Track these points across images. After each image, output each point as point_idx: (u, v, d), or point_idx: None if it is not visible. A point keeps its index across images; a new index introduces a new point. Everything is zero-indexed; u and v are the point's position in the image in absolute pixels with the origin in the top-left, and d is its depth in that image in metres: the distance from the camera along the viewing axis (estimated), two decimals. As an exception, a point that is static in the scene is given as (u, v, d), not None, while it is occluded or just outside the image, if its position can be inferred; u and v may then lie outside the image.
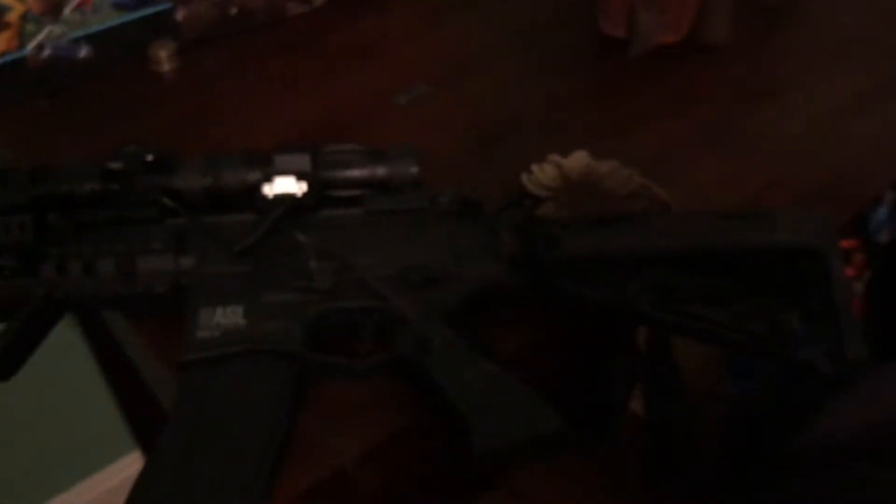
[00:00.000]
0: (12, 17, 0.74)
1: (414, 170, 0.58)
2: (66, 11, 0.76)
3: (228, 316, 0.53)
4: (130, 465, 1.23)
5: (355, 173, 0.57)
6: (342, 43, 0.86)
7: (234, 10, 0.84)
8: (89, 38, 0.79)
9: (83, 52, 0.79)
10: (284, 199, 0.56)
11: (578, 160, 0.55)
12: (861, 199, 0.80)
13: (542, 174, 0.56)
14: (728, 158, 0.72)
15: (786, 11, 0.89)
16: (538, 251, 0.54)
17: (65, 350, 0.99)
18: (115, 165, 0.56)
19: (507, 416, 0.49)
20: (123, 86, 0.81)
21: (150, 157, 0.56)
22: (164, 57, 0.81)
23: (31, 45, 0.76)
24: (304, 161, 0.57)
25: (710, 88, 0.80)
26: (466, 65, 0.82)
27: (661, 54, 0.81)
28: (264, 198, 0.56)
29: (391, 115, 0.77)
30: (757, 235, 0.55)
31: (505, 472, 0.50)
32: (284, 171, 0.56)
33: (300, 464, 0.50)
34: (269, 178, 0.56)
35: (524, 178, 0.57)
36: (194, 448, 0.48)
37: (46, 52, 0.77)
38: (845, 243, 1.11)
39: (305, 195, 0.56)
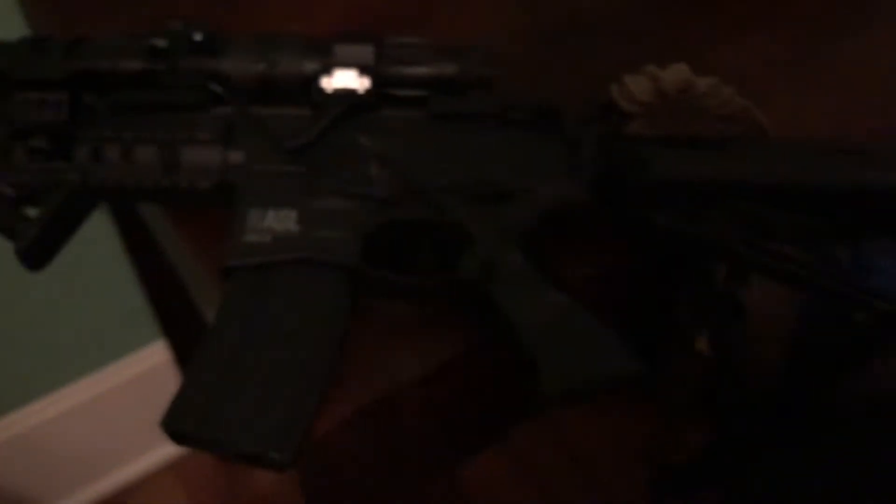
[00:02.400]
0: None
1: (486, 71, 0.52)
2: None
3: (280, 220, 0.48)
4: (155, 354, 1.22)
5: (422, 71, 0.51)
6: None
7: None
8: None
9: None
10: (344, 95, 0.51)
11: (677, 73, 0.49)
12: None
13: (635, 86, 0.50)
14: (817, 84, 0.66)
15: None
16: (624, 172, 0.49)
17: (91, 230, 0.97)
18: (160, 43, 0.51)
19: (578, 355, 0.45)
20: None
21: (198, 37, 0.51)
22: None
23: None
24: (367, 53, 0.51)
25: (803, 5, 0.72)
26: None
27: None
28: (322, 91, 0.51)
29: (450, 7, 0.70)
30: (861, 173, 0.50)
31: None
32: (345, 64, 0.51)
33: (350, 383, 0.47)
34: (328, 70, 0.51)
35: (613, 88, 0.51)
36: (239, 360, 0.45)
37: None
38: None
39: (367, 92, 0.51)
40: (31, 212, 0.50)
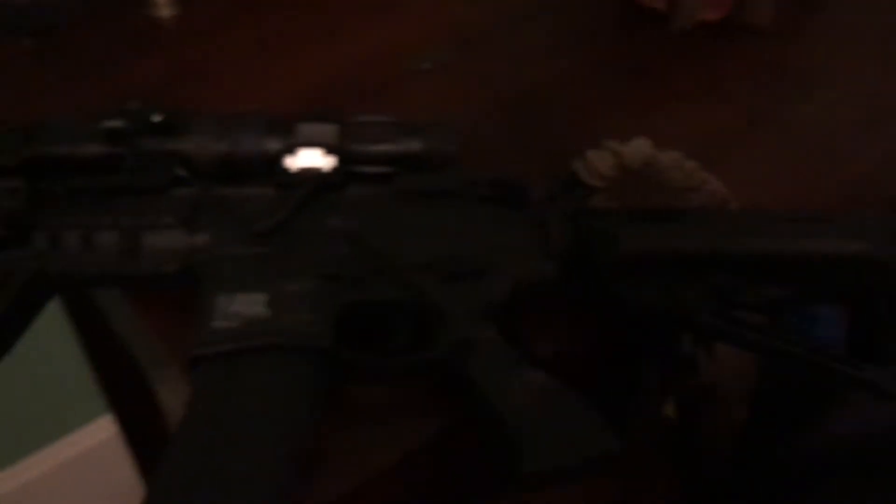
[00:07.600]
0: (-5, -55, 0.66)
1: (452, 148, 0.52)
2: (57, -58, 0.69)
3: (249, 304, 0.47)
4: (102, 429, 1.17)
5: (388, 148, 0.51)
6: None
7: (241, -47, 0.77)
8: (81, -26, 0.71)
9: (73, -12, 0.71)
10: (310, 175, 0.50)
11: (639, 148, 0.50)
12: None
13: (599, 161, 0.51)
14: (768, 150, 0.68)
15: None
16: (593, 249, 0.49)
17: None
18: (117, 124, 0.50)
19: (559, 435, 0.45)
20: (116, 30, 0.73)
21: (157, 118, 0.50)
22: (162, 0, 0.74)
23: (15, -22, 0.68)
24: (331, 132, 0.51)
25: (749, 73, 0.75)
26: (493, 29, 0.76)
27: (700, 33, 0.76)
28: (286, 171, 0.50)
29: (408, 81, 0.71)
30: (822, 242, 0.51)
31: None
32: (309, 143, 0.51)
33: (324, 473, 0.46)
34: (291, 150, 0.50)
35: (576, 164, 0.52)
36: (211, 452, 0.43)
37: (32, -13, 0.69)
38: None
39: (333, 171, 0.51)
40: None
